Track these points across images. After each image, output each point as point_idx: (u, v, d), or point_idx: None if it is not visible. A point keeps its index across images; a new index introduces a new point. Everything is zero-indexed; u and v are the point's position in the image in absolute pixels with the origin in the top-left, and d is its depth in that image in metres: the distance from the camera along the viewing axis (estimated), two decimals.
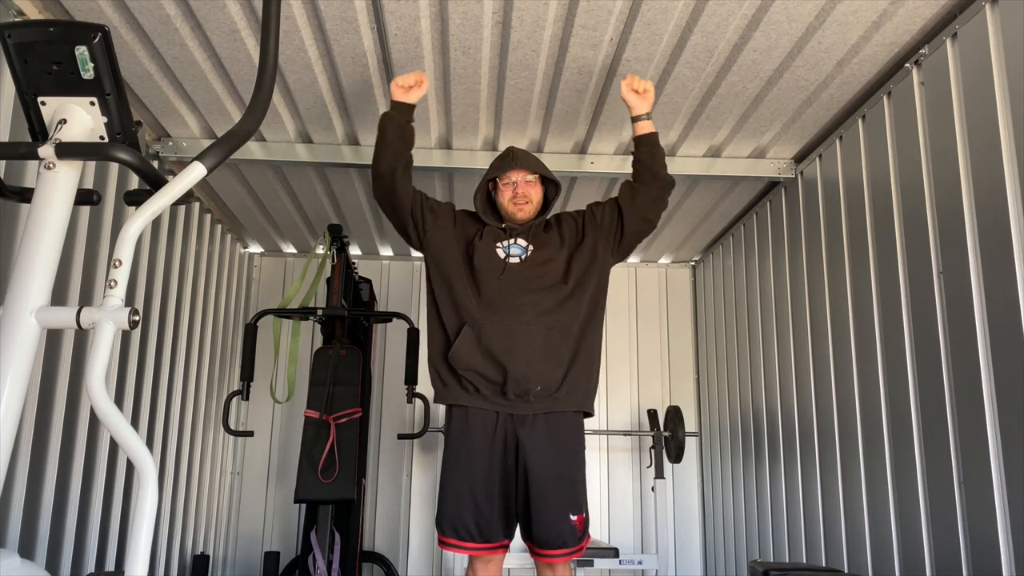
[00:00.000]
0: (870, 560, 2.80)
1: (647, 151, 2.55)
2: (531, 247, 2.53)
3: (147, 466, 1.28)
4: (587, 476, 2.52)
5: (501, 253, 2.51)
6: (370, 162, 3.40)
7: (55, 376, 2.61)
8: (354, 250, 4.94)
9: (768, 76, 2.81)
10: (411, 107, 2.54)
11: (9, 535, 2.35)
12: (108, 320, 1.35)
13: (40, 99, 1.50)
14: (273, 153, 3.42)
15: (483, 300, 2.45)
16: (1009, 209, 2.07)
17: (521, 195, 2.53)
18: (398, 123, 2.51)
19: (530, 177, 2.55)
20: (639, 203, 2.55)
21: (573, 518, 2.39)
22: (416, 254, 5.03)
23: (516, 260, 2.50)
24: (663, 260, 5.20)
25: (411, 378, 3.79)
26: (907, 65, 2.59)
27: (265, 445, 4.76)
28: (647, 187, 2.55)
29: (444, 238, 2.57)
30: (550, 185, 2.65)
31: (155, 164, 3.36)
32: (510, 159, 2.57)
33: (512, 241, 2.54)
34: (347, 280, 3.99)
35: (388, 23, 2.50)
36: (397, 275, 5.08)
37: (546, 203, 2.65)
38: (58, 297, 2.58)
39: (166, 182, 1.47)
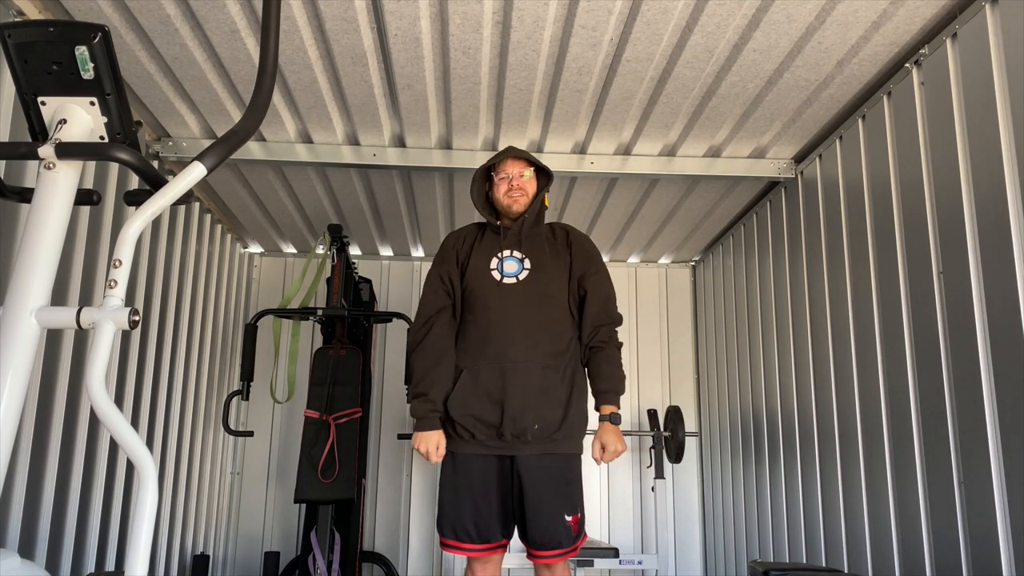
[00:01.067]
0: (870, 560, 2.80)
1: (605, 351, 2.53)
2: (527, 260, 2.52)
3: (147, 466, 1.28)
4: (586, 476, 2.53)
5: (496, 275, 2.51)
6: (370, 162, 3.45)
7: (55, 376, 2.61)
8: (354, 250, 4.94)
9: (768, 76, 2.81)
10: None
11: (9, 535, 2.35)
12: (108, 320, 1.35)
13: (40, 99, 1.50)
14: (273, 153, 3.42)
15: (480, 340, 2.45)
16: (1009, 209, 2.07)
17: (516, 187, 2.55)
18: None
19: (526, 172, 2.57)
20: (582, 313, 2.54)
21: (568, 518, 2.40)
22: (416, 254, 5.05)
23: (512, 281, 2.50)
24: (663, 260, 5.20)
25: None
26: (907, 65, 2.59)
27: (265, 445, 4.76)
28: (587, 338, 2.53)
29: (456, 282, 2.58)
30: (542, 177, 2.65)
31: (155, 164, 3.36)
32: (505, 151, 2.61)
33: (509, 253, 2.54)
34: (347, 280, 3.99)
35: (388, 23, 2.50)
36: (397, 275, 5.08)
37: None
38: (58, 297, 2.58)
39: (166, 182, 1.47)
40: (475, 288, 2.51)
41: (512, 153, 2.59)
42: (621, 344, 2.57)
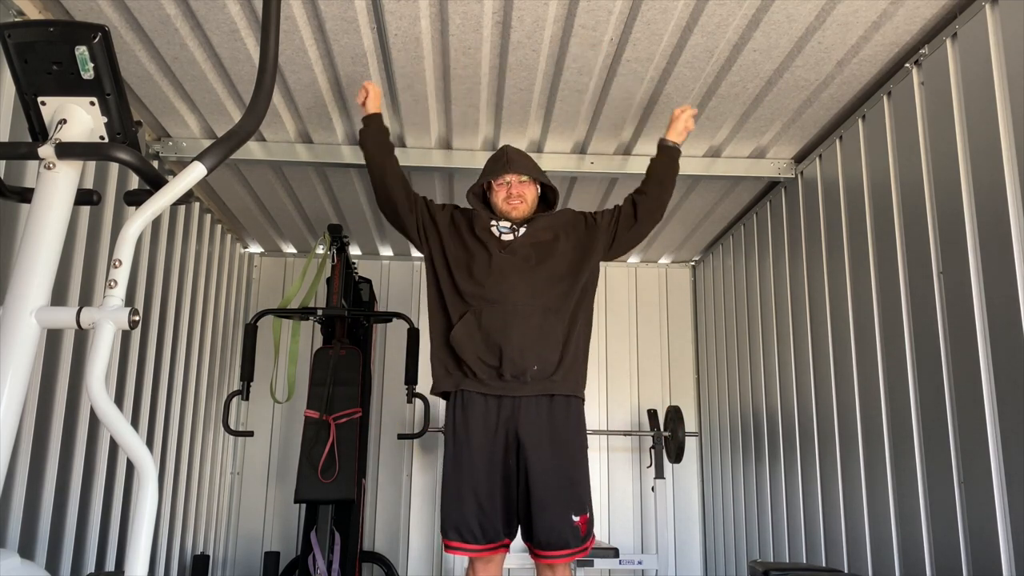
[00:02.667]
0: (870, 560, 2.80)
1: (668, 161, 2.75)
2: (523, 229, 2.59)
3: (147, 466, 1.28)
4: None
5: (495, 232, 2.58)
6: None
7: (55, 376, 2.61)
8: (354, 250, 4.94)
9: (768, 76, 2.81)
10: (374, 115, 2.70)
11: (9, 535, 2.35)
12: (108, 320, 1.35)
13: (40, 99, 1.50)
14: (273, 153, 3.42)
15: (480, 284, 2.50)
16: (1009, 209, 2.07)
17: (515, 195, 2.58)
18: (367, 134, 2.69)
19: (524, 177, 2.58)
20: (639, 212, 2.69)
21: (576, 519, 2.38)
22: (416, 254, 5.05)
23: (510, 237, 2.57)
24: (663, 260, 5.20)
25: (411, 378, 3.79)
26: (907, 65, 2.59)
27: (265, 445, 4.76)
28: (649, 196, 2.70)
29: (443, 232, 2.64)
30: (547, 188, 2.68)
31: (155, 164, 3.36)
32: (504, 162, 2.61)
33: (508, 225, 2.61)
34: (347, 280, 3.99)
35: (388, 23, 2.50)
36: (397, 275, 5.08)
37: (547, 207, 2.71)
38: (58, 297, 2.58)
39: (166, 182, 1.47)
40: (474, 246, 2.56)
41: (510, 168, 2.59)
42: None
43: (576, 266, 2.59)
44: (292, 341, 3.90)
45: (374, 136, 2.69)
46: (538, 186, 2.66)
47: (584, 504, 2.42)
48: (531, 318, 2.45)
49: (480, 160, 3.38)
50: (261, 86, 1.59)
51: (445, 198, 4.07)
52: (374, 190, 2.72)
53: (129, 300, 2.83)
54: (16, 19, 2.28)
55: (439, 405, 4.55)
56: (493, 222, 2.60)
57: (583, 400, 2.57)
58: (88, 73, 1.45)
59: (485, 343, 2.44)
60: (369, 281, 4.39)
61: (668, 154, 2.75)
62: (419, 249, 2.71)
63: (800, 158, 3.51)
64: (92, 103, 1.49)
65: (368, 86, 2.68)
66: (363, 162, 3.40)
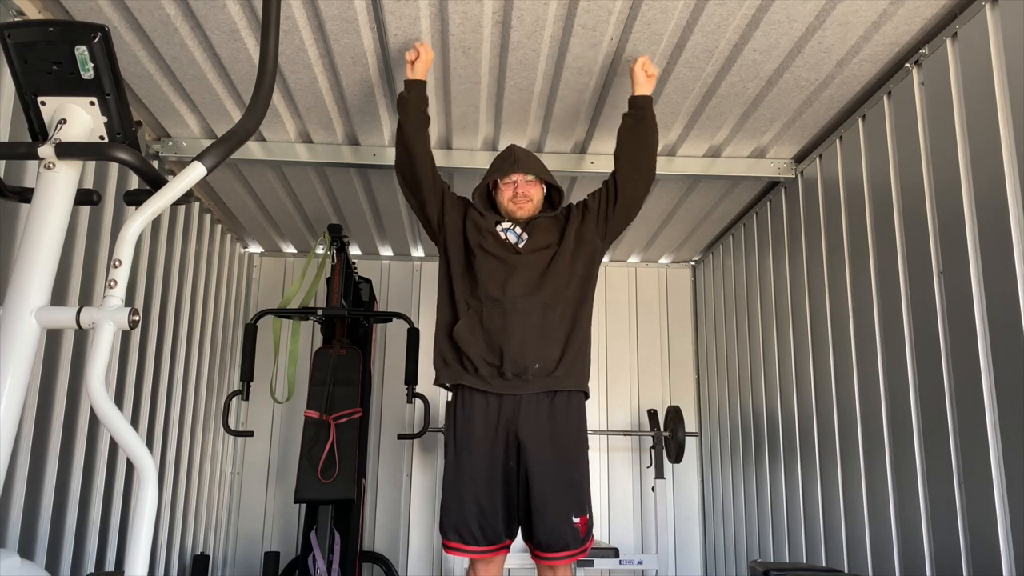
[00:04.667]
0: (870, 560, 2.80)
1: (634, 111, 2.66)
2: (526, 234, 2.59)
3: (147, 466, 1.28)
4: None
5: (502, 235, 2.58)
6: (370, 162, 3.45)
7: (55, 376, 2.61)
8: (354, 250, 4.94)
9: (768, 76, 2.81)
10: (419, 82, 2.60)
11: (9, 535, 2.35)
12: (108, 320, 1.35)
13: (40, 99, 1.50)
14: (273, 153, 3.42)
15: (482, 284, 2.50)
16: (1009, 209, 2.07)
17: (522, 195, 2.58)
18: (409, 100, 2.61)
19: (530, 177, 2.58)
20: (618, 182, 2.63)
21: (576, 520, 2.38)
22: (416, 254, 5.05)
23: (514, 238, 2.57)
24: (663, 260, 5.20)
25: (411, 378, 3.79)
26: (907, 65, 2.59)
27: (265, 445, 4.76)
28: (623, 160, 2.63)
29: (458, 225, 2.63)
30: (552, 188, 2.67)
31: (155, 164, 3.36)
32: (511, 161, 2.60)
33: (511, 226, 2.61)
34: (347, 280, 3.99)
35: (388, 23, 2.50)
36: (397, 275, 5.08)
37: (551, 207, 2.71)
38: (58, 297, 2.58)
39: (166, 182, 1.48)
40: (480, 245, 2.55)
41: (518, 168, 2.59)
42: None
43: (578, 262, 2.59)
44: (292, 341, 3.90)
45: (416, 104, 2.60)
46: (544, 186, 2.66)
47: (584, 505, 2.42)
48: (531, 317, 2.45)
49: (480, 160, 3.40)
50: (261, 86, 1.59)
51: None
52: (398, 162, 2.64)
53: (129, 300, 2.83)
54: (16, 19, 2.28)
55: (439, 405, 4.59)
56: (498, 223, 2.60)
57: (586, 395, 2.57)
58: (88, 73, 1.45)
59: (487, 342, 2.45)
60: (369, 281, 4.39)
61: (634, 104, 2.64)
62: (432, 236, 2.70)
63: (800, 158, 3.51)
64: (92, 103, 1.49)
65: (421, 48, 2.56)
66: (363, 162, 3.45)
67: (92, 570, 2.90)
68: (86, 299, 2.74)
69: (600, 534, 4.79)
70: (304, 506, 3.70)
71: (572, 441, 2.47)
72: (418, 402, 3.83)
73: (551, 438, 2.42)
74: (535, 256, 2.55)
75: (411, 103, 2.60)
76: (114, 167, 2.94)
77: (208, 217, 4.12)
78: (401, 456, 4.81)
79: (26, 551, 2.48)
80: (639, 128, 2.64)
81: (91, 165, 2.78)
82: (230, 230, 4.55)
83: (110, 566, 3.05)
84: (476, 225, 2.60)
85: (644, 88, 2.64)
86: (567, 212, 2.68)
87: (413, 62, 2.58)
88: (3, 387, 1.30)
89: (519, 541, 2.49)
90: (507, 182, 2.59)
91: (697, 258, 5.15)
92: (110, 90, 1.48)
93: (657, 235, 4.63)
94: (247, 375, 3.66)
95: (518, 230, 2.59)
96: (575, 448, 2.47)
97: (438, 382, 2.58)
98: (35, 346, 1.38)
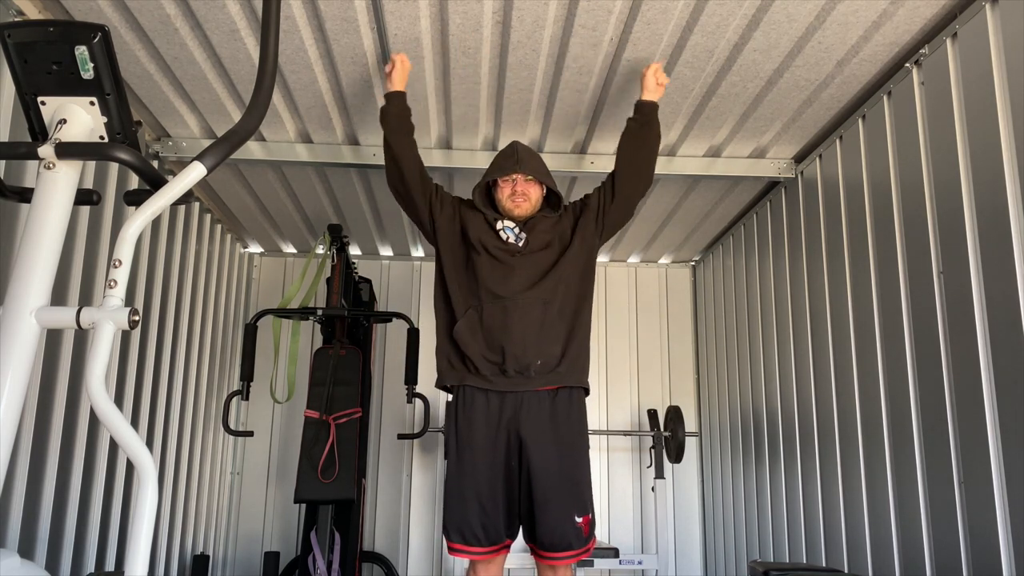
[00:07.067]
0: (870, 560, 2.80)
1: (639, 117, 2.68)
2: (525, 233, 2.60)
3: (147, 466, 1.28)
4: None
5: (499, 230, 2.59)
6: (370, 162, 3.45)
7: (55, 376, 2.61)
8: (354, 250, 4.94)
9: (768, 76, 2.81)
10: (398, 93, 2.65)
11: (9, 535, 2.35)
12: (108, 320, 1.35)
13: (40, 99, 1.50)
14: (273, 153, 3.42)
15: (482, 282, 2.52)
16: (1009, 209, 2.07)
17: (520, 193, 2.58)
18: (389, 113, 2.64)
19: (530, 176, 2.58)
20: (616, 184, 2.65)
21: (579, 520, 2.38)
22: (416, 254, 5.05)
23: (512, 236, 2.58)
24: (663, 260, 5.20)
25: (411, 378, 3.79)
26: (907, 65, 2.59)
27: (265, 445, 4.76)
28: (623, 164, 2.66)
29: (452, 226, 2.65)
30: (552, 193, 2.68)
31: (155, 164, 3.36)
32: (514, 160, 2.60)
33: (510, 225, 2.62)
34: (347, 280, 3.99)
35: (388, 23, 2.50)
36: (397, 275, 5.08)
37: (551, 208, 2.70)
38: (58, 297, 2.58)
39: (166, 182, 1.48)
40: (478, 245, 2.56)
41: (520, 168, 2.59)
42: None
43: (579, 259, 2.60)
44: (292, 341, 3.90)
45: (397, 115, 2.64)
46: (543, 187, 2.66)
47: (587, 504, 2.42)
48: (532, 313, 2.46)
49: (480, 160, 3.40)
50: (261, 86, 1.60)
51: None
52: (387, 172, 2.69)
53: (129, 300, 2.83)
54: (16, 19, 2.28)
55: (439, 405, 4.59)
56: (497, 221, 2.61)
57: (587, 391, 2.58)
58: (88, 73, 1.45)
59: (487, 341, 2.45)
60: (369, 281, 4.39)
61: (640, 109, 2.66)
62: (428, 239, 2.71)
63: (800, 158, 3.51)
64: (92, 103, 1.49)
65: (398, 59, 2.60)
66: (363, 162, 3.45)
67: (92, 570, 2.90)
68: (86, 299, 2.74)
69: (600, 534, 4.79)
70: (304, 506, 3.70)
71: (574, 440, 2.48)
72: (418, 402, 3.83)
73: (553, 437, 2.43)
74: (535, 255, 2.55)
75: (392, 115, 2.64)
76: (114, 167, 2.94)
77: (208, 217, 4.12)
78: (401, 456, 4.81)
79: (26, 551, 2.48)
80: (643, 133, 2.67)
81: (91, 165, 2.78)
82: (230, 230, 4.55)
83: (110, 566, 3.05)
84: (474, 222, 2.61)
85: (652, 95, 2.66)
86: (565, 211, 2.68)
87: (390, 73, 2.63)
88: (3, 387, 1.30)
89: (519, 541, 2.49)
90: (507, 180, 2.60)
91: (697, 258, 5.15)
92: (110, 90, 1.48)
93: (657, 235, 4.63)
94: (247, 375, 3.66)
95: (517, 229, 2.60)
96: (577, 447, 2.48)
97: (441, 384, 2.59)
98: (35, 346, 1.38)
